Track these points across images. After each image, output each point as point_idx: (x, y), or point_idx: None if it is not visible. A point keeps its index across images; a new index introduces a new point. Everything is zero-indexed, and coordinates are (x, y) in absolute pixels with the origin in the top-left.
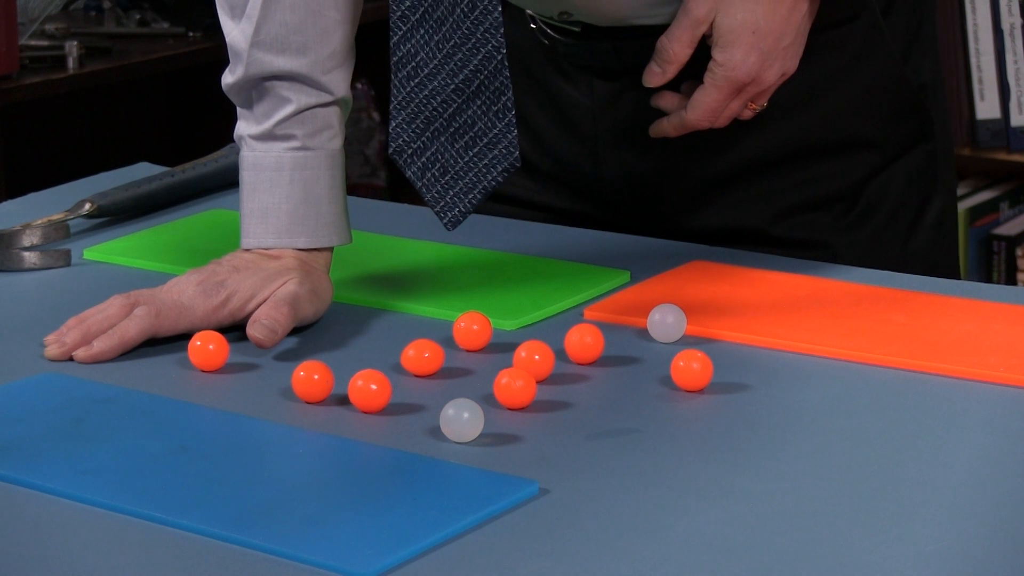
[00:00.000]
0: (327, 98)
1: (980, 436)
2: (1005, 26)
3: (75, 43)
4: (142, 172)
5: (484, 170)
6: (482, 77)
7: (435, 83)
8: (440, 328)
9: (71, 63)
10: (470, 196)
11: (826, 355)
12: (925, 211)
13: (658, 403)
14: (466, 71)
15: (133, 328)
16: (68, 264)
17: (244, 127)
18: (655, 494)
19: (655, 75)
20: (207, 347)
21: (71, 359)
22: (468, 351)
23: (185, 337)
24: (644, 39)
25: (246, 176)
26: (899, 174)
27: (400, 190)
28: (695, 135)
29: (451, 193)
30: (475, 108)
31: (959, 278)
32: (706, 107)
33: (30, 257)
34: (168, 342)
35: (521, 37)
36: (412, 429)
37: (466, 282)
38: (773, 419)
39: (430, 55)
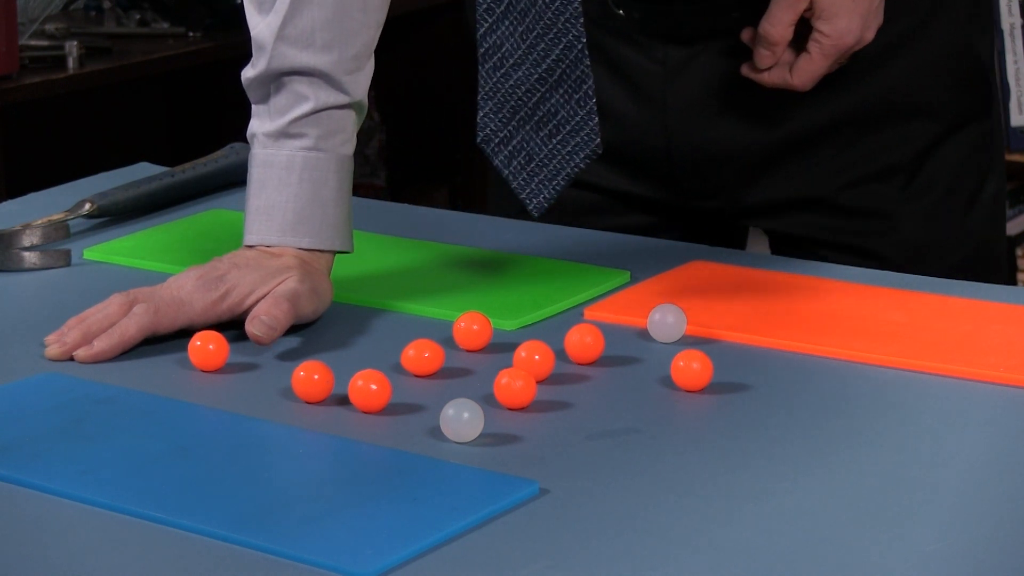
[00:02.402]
0: (344, 99)
1: (980, 436)
2: (1005, 26)
3: (75, 43)
4: (142, 172)
5: (567, 157)
6: (563, 67)
7: (519, 73)
8: (440, 328)
9: (71, 63)
10: (555, 182)
11: (826, 355)
12: (982, 188)
13: (658, 403)
14: (548, 61)
15: (132, 326)
16: (68, 264)
17: (257, 125)
18: (655, 494)
19: (766, 58)
20: (207, 347)
21: (71, 359)
22: (468, 351)
23: (185, 337)
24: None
25: (255, 173)
26: (958, 147)
27: (400, 190)
28: (764, 101)
29: (536, 180)
30: (557, 97)
31: (1004, 262)
32: (814, 74)
33: (30, 257)
34: (168, 341)
35: (589, 9)
36: (412, 429)
37: (466, 282)
38: (773, 419)
39: (514, 46)
